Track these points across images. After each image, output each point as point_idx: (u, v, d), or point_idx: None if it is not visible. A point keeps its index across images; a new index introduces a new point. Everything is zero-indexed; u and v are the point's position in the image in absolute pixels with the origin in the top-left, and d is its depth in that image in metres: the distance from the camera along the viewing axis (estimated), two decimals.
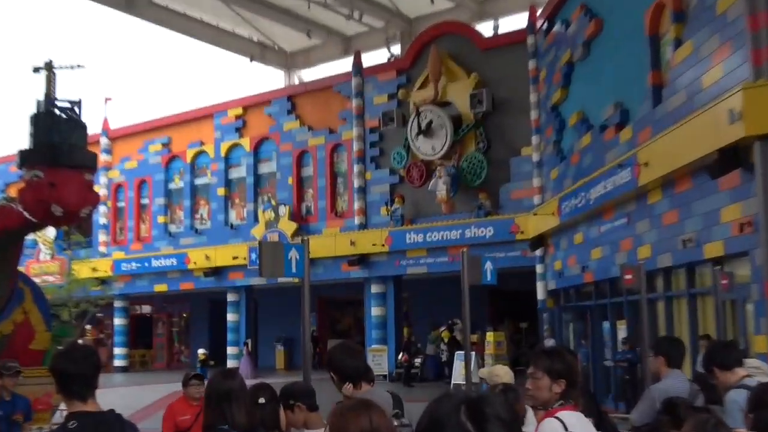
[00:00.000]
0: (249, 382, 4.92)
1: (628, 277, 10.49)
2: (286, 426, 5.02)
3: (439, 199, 27.95)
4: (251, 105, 34.66)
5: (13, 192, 33.22)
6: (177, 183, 37.07)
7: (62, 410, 18.67)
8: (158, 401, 23.44)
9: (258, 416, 4.76)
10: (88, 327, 36.79)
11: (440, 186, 27.79)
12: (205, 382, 5.17)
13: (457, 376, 23.96)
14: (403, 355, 28.18)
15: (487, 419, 1.91)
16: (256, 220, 33.74)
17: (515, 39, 27.28)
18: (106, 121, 38.97)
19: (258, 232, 32.97)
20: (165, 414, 7.97)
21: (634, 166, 16.93)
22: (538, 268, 25.68)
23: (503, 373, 6.31)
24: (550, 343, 22.17)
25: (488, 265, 8.98)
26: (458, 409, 1.93)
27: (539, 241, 25.09)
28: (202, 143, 36.03)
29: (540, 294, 25.61)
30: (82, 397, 3.81)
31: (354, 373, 4.95)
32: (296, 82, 40.59)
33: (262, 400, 4.88)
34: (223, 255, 33.44)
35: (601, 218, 19.86)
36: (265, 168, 34.38)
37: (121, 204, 38.81)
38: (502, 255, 25.10)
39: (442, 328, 29.01)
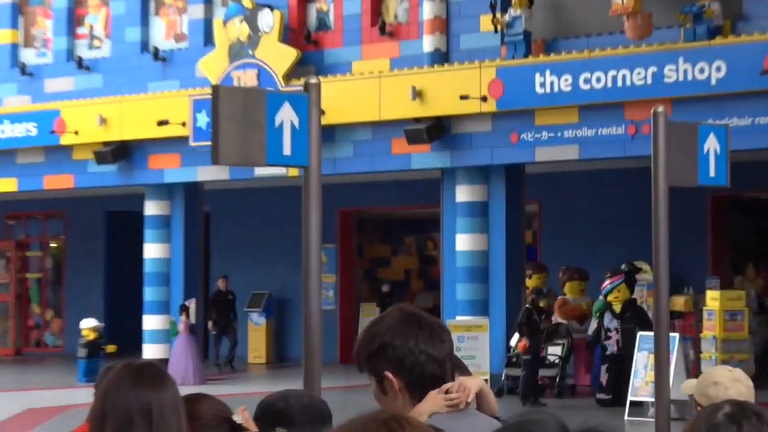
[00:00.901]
0: (187, 391, 4.98)
1: None
2: None
3: (617, 7, 27.70)
4: None
5: None
6: None
7: None
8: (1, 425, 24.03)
9: None
10: None
11: None
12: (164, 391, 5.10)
13: (641, 384, 24.13)
14: (521, 339, 28.29)
15: None
16: (209, 41, 34.07)
17: None
18: None
19: (213, 66, 33.28)
20: None
21: None
22: None
23: (729, 380, 6.35)
24: None
25: (712, 144, 8.95)
26: None
27: None
28: None
29: None
30: None
31: (435, 375, 4.84)
32: None
33: (237, 419, 4.97)
34: (136, 116, 33.79)
35: None
36: None
37: None
38: (745, 122, 25.03)
39: (612, 281, 28.88)
